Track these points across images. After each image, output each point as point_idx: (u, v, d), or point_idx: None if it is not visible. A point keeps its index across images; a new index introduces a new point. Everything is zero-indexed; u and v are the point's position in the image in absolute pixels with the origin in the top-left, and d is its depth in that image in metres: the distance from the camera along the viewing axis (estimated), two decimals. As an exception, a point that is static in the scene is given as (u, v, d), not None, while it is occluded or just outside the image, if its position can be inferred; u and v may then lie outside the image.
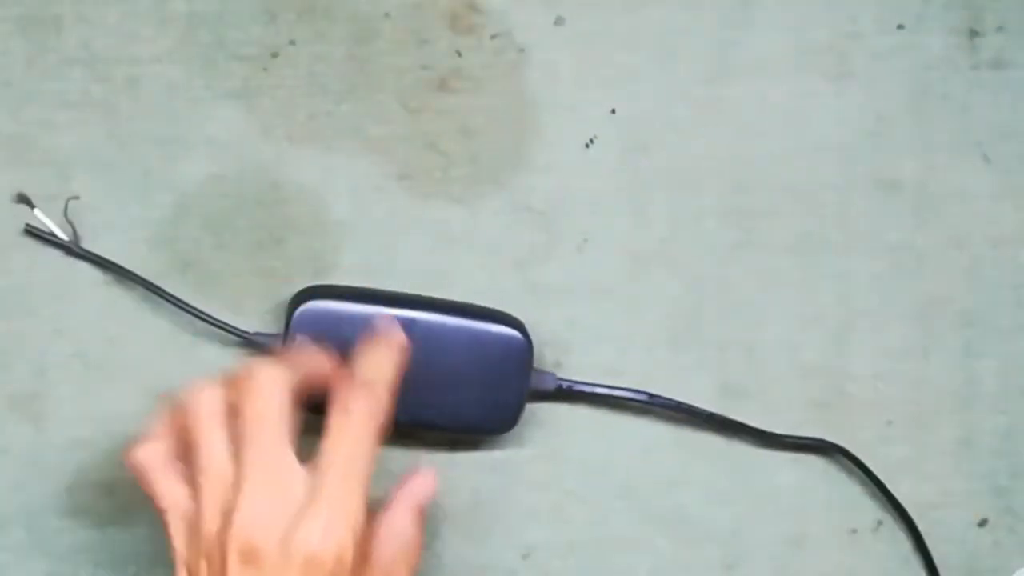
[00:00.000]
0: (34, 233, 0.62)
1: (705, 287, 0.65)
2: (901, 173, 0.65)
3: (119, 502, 0.63)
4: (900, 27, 0.65)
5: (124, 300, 0.62)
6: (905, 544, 0.65)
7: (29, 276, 0.62)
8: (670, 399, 0.64)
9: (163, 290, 0.62)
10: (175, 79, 0.63)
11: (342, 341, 0.60)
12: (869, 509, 0.65)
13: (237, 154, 0.63)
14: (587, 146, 0.64)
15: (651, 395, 0.64)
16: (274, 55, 0.63)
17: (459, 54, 0.64)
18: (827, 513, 0.65)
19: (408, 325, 0.61)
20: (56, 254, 0.62)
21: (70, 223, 0.62)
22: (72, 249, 0.62)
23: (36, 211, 0.62)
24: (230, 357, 0.63)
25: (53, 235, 0.62)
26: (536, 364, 0.62)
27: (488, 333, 0.62)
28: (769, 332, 0.65)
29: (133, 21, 0.62)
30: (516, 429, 0.63)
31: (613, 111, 0.64)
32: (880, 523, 0.65)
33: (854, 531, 0.65)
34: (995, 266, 0.65)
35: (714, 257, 0.65)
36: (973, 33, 0.65)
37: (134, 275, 0.62)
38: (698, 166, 0.65)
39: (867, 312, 0.65)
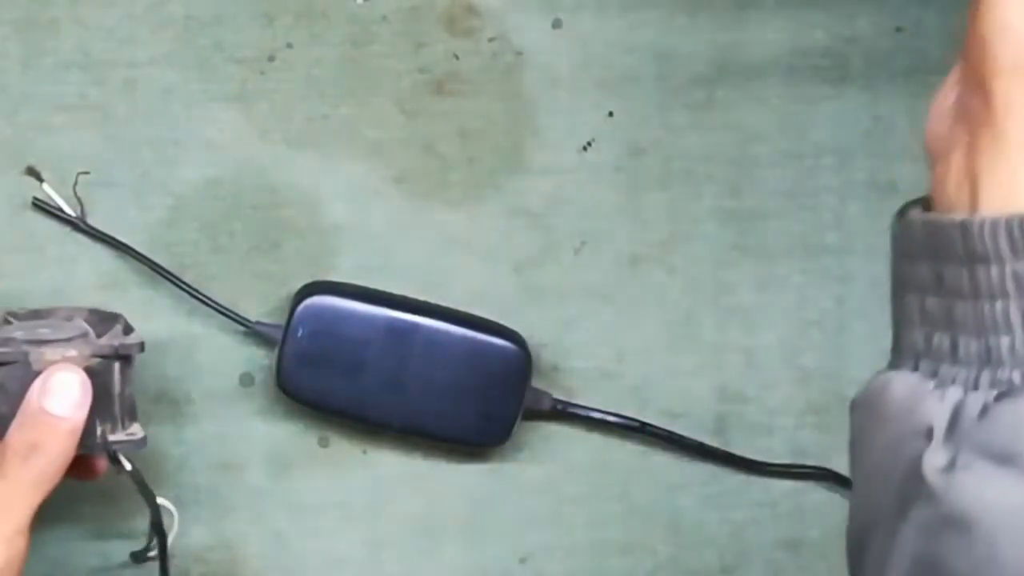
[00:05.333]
0: (42, 207, 0.62)
1: (703, 290, 0.65)
2: (898, 176, 0.65)
3: (117, 507, 0.62)
4: (898, 30, 0.65)
5: (120, 302, 0.62)
6: (903, 548, 0.65)
7: (25, 280, 0.62)
8: (662, 429, 0.64)
9: (167, 271, 0.62)
10: (172, 82, 0.63)
11: (342, 339, 0.60)
12: (867, 513, 0.65)
13: (234, 157, 0.63)
14: (585, 149, 0.64)
15: (643, 423, 0.64)
16: (271, 58, 0.63)
17: (456, 57, 0.64)
18: (824, 517, 0.65)
19: (410, 330, 0.61)
20: (53, 257, 0.62)
21: (78, 199, 0.62)
22: (79, 225, 0.62)
23: (44, 185, 0.62)
24: (229, 357, 0.63)
25: (60, 210, 0.61)
26: (534, 368, 0.62)
27: (490, 345, 0.62)
28: (767, 335, 0.65)
29: (130, 24, 0.62)
30: (514, 433, 0.63)
31: (610, 114, 0.64)
32: (878, 527, 0.65)
33: (852, 535, 0.65)
34: (993, 269, 0.65)
35: (712, 260, 0.65)
36: (971, 36, 0.65)
37: (138, 254, 0.61)
38: (695, 169, 0.65)
39: (865, 315, 0.65)
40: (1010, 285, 0.40)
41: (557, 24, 0.64)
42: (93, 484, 0.59)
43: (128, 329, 0.57)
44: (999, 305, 0.40)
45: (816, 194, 0.65)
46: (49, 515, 0.62)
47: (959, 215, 0.41)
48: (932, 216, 0.42)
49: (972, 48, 0.42)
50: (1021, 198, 0.40)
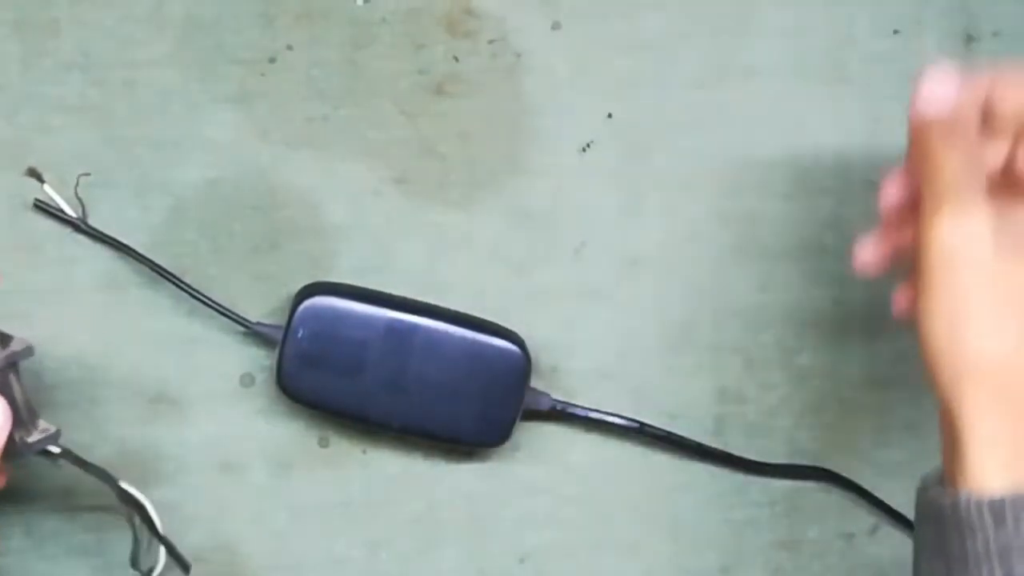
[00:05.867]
0: (43, 208, 0.62)
1: (702, 291, 0.65)
2: (897, 177, 0.65)
3: (116, 506, 0.62)
4: (896, 32, 0.65)
5: (120, 303, 0.62)
6: (901, 549, 0.65)
7: (26, 281, 0.62)
8: (661, 429, 0.64)
9: (167, 271, 0.62)
10: (172, 83, 0.63)
11: (342, 339, 0.60)
12: (865, 513, 0.65)
13: (234, 158, 0.63)
14: (584, 150, 0.64)
15: (642, 424, 0.64)
16: (271, 59, 0.63)
17: (456, 59, 0.64)
18: (823, 517, 0.65)
19: (410, 330, 0.61)
20: (53, 258, 0.62)
21: (79, 199, 0.62)
22: (80, 226, 0.62)
23: (45, 186, 0.62)
24: (229, 357, 0.63)
25: (61, 211, 0.61)
26: (533, 369, 0.62)
27: (489, 346, 0.62)
28: (765, 336, 0.65)
29: (130, 25, 0.62)
30: (513, 434, 0.63)
31: (610, 115, 0.64)
32: (876, 527, 0.65)
33: (850, 535, 0.65)
34: (991, 270, 0.66)
35: (711, 261, 0.65)
36: (969, 38, 0.65)
37: (139, 254, 0.62)
38: (695, 170, 0.65)
39: (863, 316, 0.65)
40: (994, 553, 0.49)
41: (556, 26, 0.64)
42: (88, 485, 0.60)
43: (6, 338, 0.57)
44: (985, 569, 0.49)
45: (815, 195, 0.65)
46: (49, 514, 0.62)
47: (950, 495, 0.50)
48: (932, 493, 0.51)
49: (923, 358, 0.51)
50: (991, 482, 0.49)
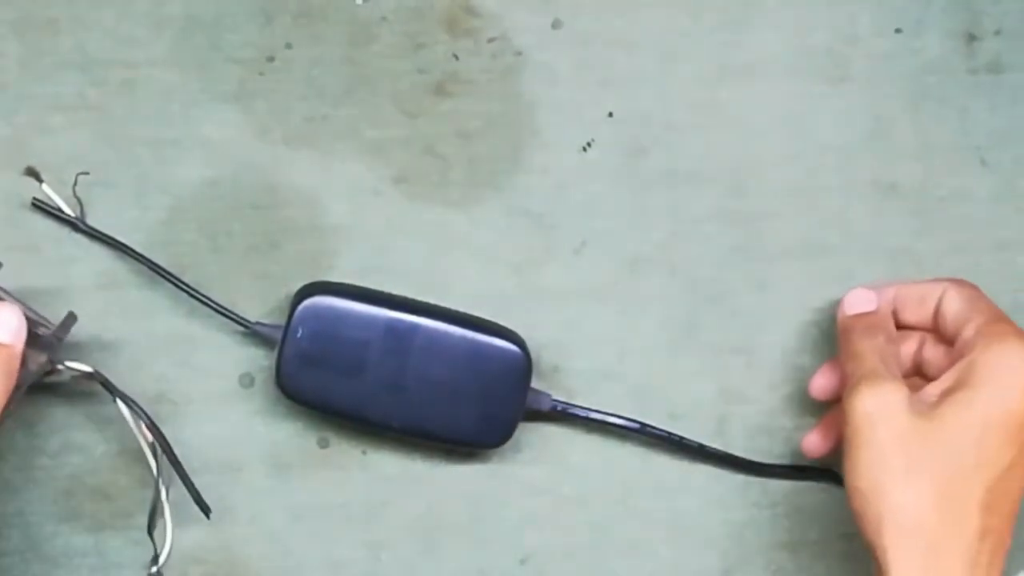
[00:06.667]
0: (41, 207, 0.61)
1: (704, 290, 0.65)
2: (900, 176, 0.65)
3: (114, 506, 0.62)
4: (898, 31, 0.65)
5: (119, 303, 0.62)
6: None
7: (24, 280, 0.62)
8: (662, 430, 0.64)
9: (166, 271, 0.61)
10: (171, 82, 0.62)
11: (341, 339, 0.60)
12: (868, 514, 0.65)
13: (233, 157, 0.63)
14: (585, 149, 0.64)
15: (643, 424, 0.64)
16: (270, 58, 0.63)
17: (456, 57, 0.64)
18: (825, 518, 0.65)
19: (410, 330, 0.61)
20: (52, 257, 0.62)
21: (78, 199, 0.61)
22: (78, 225, 0.61)
23: (44, 186, 0.61)
24: (228, 358, 0.63)
25: (60, 210, 0.61)
26: (533, 370, 0.62)
27: (490, 346, 0.61)
28: (768, 336, 0.65)
29: (129, 24, 0.62)
30: (514, 435, 0.62)
31: (611, 114, 0.64)
32: (879, 528, 0.65)
33: (852, 536, 0.65)
34: (995, 270, 0.65)
35: (713, 260, 0.65)
36: (971, 37, 0.65)
37: (138, 254, 0.61)
38: (696, 169, 0.64)
39: (865, 316, 0.65)
40: None
41: (557, 24, 0.64)
42: (90, 482, 0.59)
43: None
44: None
45: (817, 194, 0.65)
46: (47, 515, 0.62)
47: None
48: None
49: (851, 511, 0.56)
50: None
